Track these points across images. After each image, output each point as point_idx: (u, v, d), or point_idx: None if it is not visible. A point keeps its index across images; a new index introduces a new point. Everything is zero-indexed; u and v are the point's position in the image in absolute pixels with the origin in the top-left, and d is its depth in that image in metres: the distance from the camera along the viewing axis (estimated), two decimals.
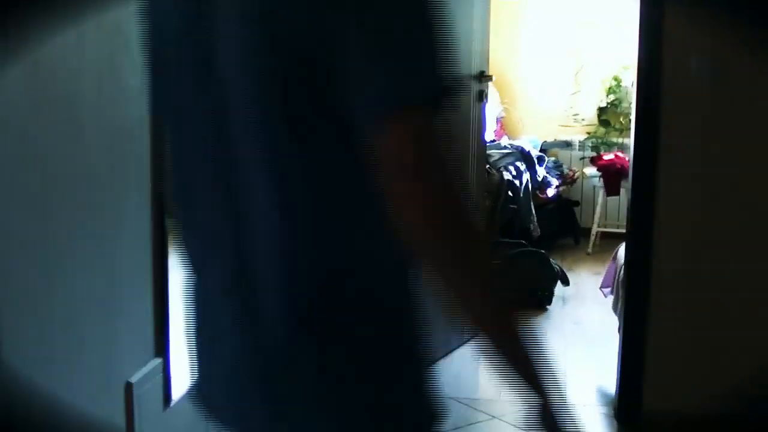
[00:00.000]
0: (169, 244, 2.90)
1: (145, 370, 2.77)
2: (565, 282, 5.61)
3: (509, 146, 7.01)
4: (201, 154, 1.53)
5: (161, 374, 2.89)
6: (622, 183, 6.95)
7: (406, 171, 1.32)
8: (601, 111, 7.69)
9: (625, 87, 7.71)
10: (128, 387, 2.66)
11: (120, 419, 2.64)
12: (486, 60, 4.77)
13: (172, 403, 2.97)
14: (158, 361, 2.87)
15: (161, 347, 2.90)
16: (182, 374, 3.08)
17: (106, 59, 2.50)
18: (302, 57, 1.36)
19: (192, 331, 1.62)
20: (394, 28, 1.33)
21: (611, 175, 7.08)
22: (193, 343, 1.62)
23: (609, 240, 6.77)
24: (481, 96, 4.69)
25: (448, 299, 1.40)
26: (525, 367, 1.37)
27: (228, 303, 1.52)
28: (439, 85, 1.34)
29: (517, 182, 6.56)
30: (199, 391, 1.63)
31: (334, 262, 1.45)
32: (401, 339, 1.50)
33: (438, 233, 1.35)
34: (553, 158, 7.43)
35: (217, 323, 1.56)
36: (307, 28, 1.35)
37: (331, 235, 1.44)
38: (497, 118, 7.39)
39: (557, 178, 7.20)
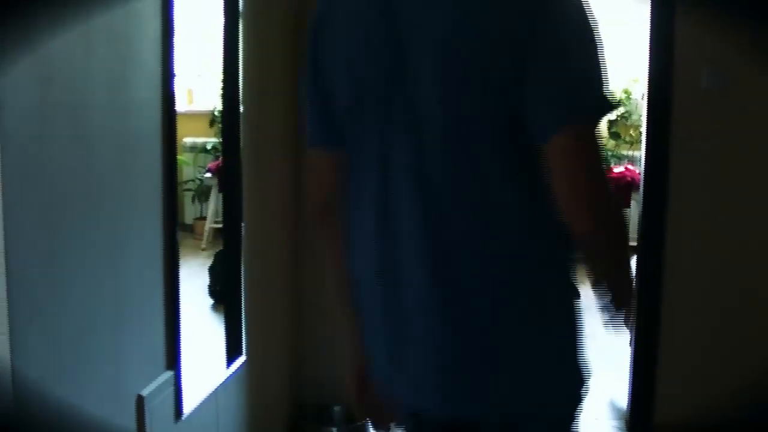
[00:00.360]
0: (179, 256, 2.90)
1: (156, 383, 2.77)
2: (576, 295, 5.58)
3: None
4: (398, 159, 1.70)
5: (172, 387, 2.88)
6: (633, 195, 6.94)
7: (586, 170, 1.59)
8: (611, 123, 7.68)
9: (635, 99, 7.70)
10: (139, 400, 2.66)
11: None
12: None
13: (184, 416, 2.97)
14: (169, 374, 2.87)
15: (172, 360, 2.89)
16: (193, 387, 3.08)
17: (118, 70, 2.51)
18: (493, 63, 1.57)
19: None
20: (574, 45, 1.62)
21: (621, 188, 7.06)
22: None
23: None
24: None
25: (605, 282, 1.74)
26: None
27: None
28: (608, 98, 1.60)
29: None
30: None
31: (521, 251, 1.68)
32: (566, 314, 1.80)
33: (609, 226, 1.65)
34: None
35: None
36: (499, 37, 1.56)
37: (514, 227, 1.67)
38: None
39: None
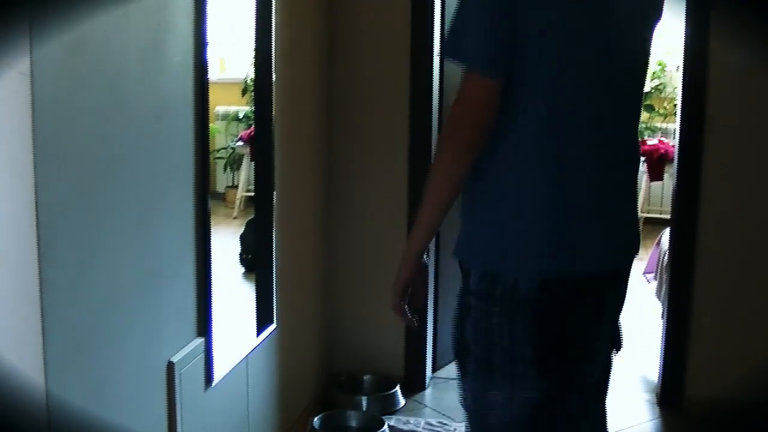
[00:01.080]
0: (211, 224, 2.91)
1: (187, 349, 2.78)
2: None
3: None
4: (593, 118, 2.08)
5: (203, 354, 2.90)
6: (666, 168, 6.90)
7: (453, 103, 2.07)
8: (645, 96, 7.62)
9: (669, 71, 7.64)
10: (170, 366, 2.67)
11: (161, 399, 2.66)
12: None
13: (214, 383, 2.99)
14: (200, 340, 2.88)
15: (203, 327, 2.91)
16: (224, 355, 3.09)
17: (151, 38, 2.51)
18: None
19: None
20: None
21: (655, 161, 7.03)
22: None
23: (652, 225, 6.73)
24: None
25: None
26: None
27: None
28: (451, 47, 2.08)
29: None
30: None
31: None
32: None
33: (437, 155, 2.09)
34: None
35: None
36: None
37: None
38: None
39: None
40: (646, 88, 7.57)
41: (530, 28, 1.95)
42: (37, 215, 1.96)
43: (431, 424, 4.07)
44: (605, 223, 2.14)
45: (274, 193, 3.57)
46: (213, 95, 2.88)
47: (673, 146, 4.98)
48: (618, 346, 2.30)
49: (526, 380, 2.08)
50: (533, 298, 2.04)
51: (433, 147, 4.15)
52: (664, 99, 7.79)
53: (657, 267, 4.74)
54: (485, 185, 2.09)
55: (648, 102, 7.71)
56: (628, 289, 2.31)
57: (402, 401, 4.35)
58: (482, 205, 2.10)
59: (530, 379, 2.08)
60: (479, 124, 1.99)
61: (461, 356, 2.17)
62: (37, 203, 1.96)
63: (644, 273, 4.97)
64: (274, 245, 3.59)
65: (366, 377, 4.48)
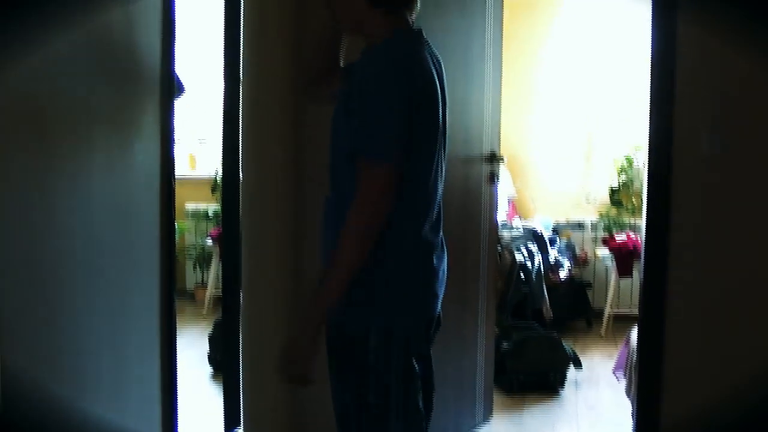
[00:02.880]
0: (176, 326, 2.88)
1: None
2: (578, 365, 5.54)
3: (521, 227, 6.99)
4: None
5: None
6: (635, 264, 6.92)
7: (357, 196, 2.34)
8: (613, 191, 7.68)
9: (637, 167, 7.72)
10: None
11: None
12: (498, 141, 4.77)
13: None
14: None
15: (169, 430, 2.86)
16: None
17: (116, 137, 2.51)
18: None
19: None
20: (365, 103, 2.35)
21: (623, 257, 7.04)
22: None
23: (622, 322, 6.71)
24: (493, 177, 4.68)
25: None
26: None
27: None
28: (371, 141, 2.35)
29: (529, 264, 6.53)
30: None
31: None
32: None
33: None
34: (565, 239, 7.40)
35: None
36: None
37: None
38: (509, 199, 7.38)
39: (569, 260, 7.17)
40: (614, 184, 7.65)
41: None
42: None
43: None
44: None
45: (241, 293, 3.55)
46: (182, 192, 2.89)
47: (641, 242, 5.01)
48: None
49: None
50: None
51: None
52: (632, 194, 7.85)
53: (626, 365, 4.72)
54: None
55: (616, 198, 7.77)
56: None
57: None
58: None
59: None
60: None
61: None
62: None
63: (614, 371, 4.95)
64: (241, 346, 3.55)
65: None
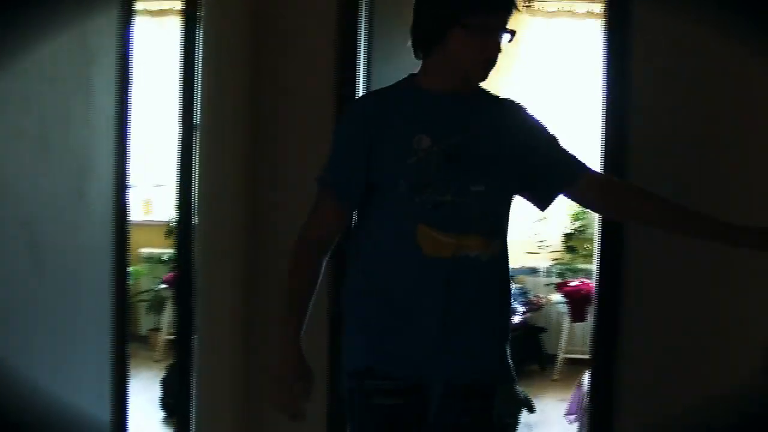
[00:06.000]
0: (128, 371, 2.87)
1: None
2: (531, 409, 5.56)
3: None
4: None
5: None
6: (588, 309, 6.97)
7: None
8: (567, 237, 7.75)
9: (590, 212, 7.79)
10: None
11: None
12: None
13: None
14: None
15: None
16: None
17: (68, 183, 2.51)
18: None
19: None
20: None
21: (577, 302, 7.10)
22: None
23: (576, 366, 6.76)
24: None
25: None
26: None
27: None
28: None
29: None
30: None
31: None
32: None
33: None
34: (519, 285, 7.45)
35: None
36: None
37: None
38: None
39: (523, 305, 7.21)
40: (568, 230, 7.71)
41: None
42: None
43: None
44: None
45: (194, 337, 3.54)
46: (137, 237, 2.89)
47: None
48: None
49: None
50: None
51: None
52: (586, 240, 7.92)
53: (578, 408, 4.75)
54: None
55: (570, 243, 7.83)
56: None
57: None
58: None
59: None
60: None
61: None
62: None
63: (566, 414, 4.98)
64: (193, 391, 3.54)
65: None
